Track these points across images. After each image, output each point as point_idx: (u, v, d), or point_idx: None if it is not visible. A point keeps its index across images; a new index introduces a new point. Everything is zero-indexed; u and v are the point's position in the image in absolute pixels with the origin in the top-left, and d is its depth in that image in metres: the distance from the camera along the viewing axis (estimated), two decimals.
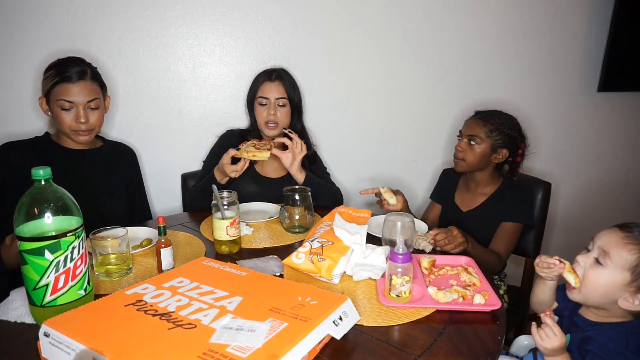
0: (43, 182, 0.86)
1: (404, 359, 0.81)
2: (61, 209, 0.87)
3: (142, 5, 1.67)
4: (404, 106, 2.04)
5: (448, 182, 1.71)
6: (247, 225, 1.42)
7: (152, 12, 1.68)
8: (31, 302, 0.88)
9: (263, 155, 1.47)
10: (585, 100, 2.25)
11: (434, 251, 1.27)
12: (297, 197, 1.36)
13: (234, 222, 1.21)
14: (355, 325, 0.88)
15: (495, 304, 0.96)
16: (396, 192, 1.48)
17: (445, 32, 1.98)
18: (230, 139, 1.73)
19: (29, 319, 0.91)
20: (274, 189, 1.65)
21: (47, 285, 0.86)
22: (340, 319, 0.82)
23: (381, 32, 1.91)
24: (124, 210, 1.55)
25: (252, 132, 1.76)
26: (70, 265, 0.87)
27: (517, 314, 1.65)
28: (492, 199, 1.54)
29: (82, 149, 1.46)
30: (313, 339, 0.75)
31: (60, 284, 0.87)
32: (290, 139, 1.57)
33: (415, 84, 2.02)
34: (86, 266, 0.92)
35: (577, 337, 0.98)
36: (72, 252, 0.87)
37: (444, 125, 2.10)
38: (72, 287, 0.89)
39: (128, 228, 1.14)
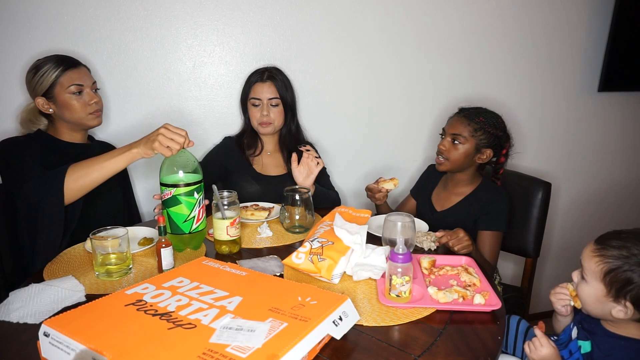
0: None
1: (404, 359, 0.81)
2: (197, 167, 1.22)
3: (142, 5, 1.67)
4: (404, 106, 2.04)
5: (429, 179, 1.67)
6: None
7: (152, 12, 1.68)
8: (179, 232, 1.18)
9: (261, 214, 1.48)
10: (586, 100, 2.25)
11: (433, 251, 1.27)
12: (297, 197, 1.36)
13: (234, 222, 1.21)
14: (355, 325, 0.88)
15: (495, 304, 0.96)
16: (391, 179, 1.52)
17: (445, 32, 1.98)
18: (230, 145, 1.75)
19: (30, 320, 0.91)
20: (276, 187, 1.66)
21: (194, 217, 1.19)
22: (340, 319, 0.82)
23: (381, 31, 1.91)
24: (118, 206, 1.55)
25: (246, 134, 1.75)
26: (202, 203, 1.22)
27: (517, 314, 1.65)
28: (466, 201, 1.50)
29: (78, 143, 1.47)
30: (313, 339, 0.75)
31: (200, 216, 1.21)
32: (301, 152, 1.55)
33: (415, 85, 2.02)
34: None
35: (596, 349, 0.98)
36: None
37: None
38: (202, 219, 1.22)
39: (128, 228, 1.15)
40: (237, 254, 1.25)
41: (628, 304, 0.91)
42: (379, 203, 1.60)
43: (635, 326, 0.95)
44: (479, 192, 1.50)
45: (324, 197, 1.64)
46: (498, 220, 1.44)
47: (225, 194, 1.24)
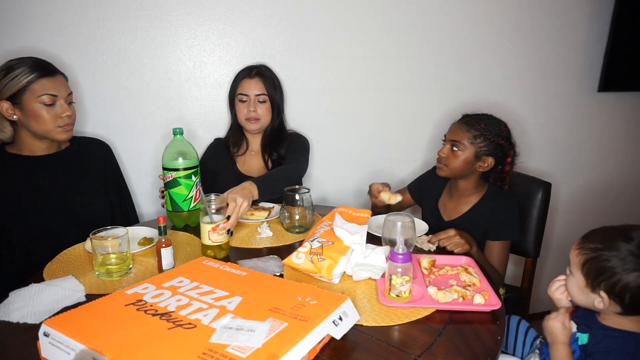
0: (178, 136, 1.37)
1: (404, 359, 0.81)
2: (194, 154, 1.40)
3: (142, 5, 1.67)
4: (403, 106, 2.04)
5: (434, 183, 1.60)
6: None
7: (152, 12, 1.68)
8: (179, 210, 1.38)
9: (261, 214, 1.48)
10: (585, 101, 2.25)
11: (434, 251, 1.27)
12: (297, 197, 1.36)
13: (216, 228, 1.16)
14: (355, 325, 0.88)
15: (495, 304, 0.96)
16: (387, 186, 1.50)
17: (443, 32, 1.98)
18: (218, 146, 1.76)
19: (30, 320, 0.91)
20: None
21: (191, 197, 1.38)
22: (340, 319, 0.82)
23: (382, 33, 1.91)
24: (105, 211, 1.49)
25: (231, 131, 1.75)
26: (199, 185, 1.39)
27: (517, 314, 1.65)
28: (474, 210, 1.45)
29: (46, 154, 1.39)
30: (313, 339, 0.75)
31: (197, 196, 1.39)
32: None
33: (414, 86, 2.02)
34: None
35: (592, 340, 0.99)
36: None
37: (444, 126, 2.09)
38: (198, 200, 1.39)
39: (128, 228, 1.15)
40: (224, 259, 1.19)
41: (602, 293, 0.93)
42: (375, 205, 1.58)
43: (627, 320, 0.96)
44: (486, 201, 1.45)
45: (275, 182, 1.45)
46: (508, 230, 1.41)
47: (213, 197, 1.20)
